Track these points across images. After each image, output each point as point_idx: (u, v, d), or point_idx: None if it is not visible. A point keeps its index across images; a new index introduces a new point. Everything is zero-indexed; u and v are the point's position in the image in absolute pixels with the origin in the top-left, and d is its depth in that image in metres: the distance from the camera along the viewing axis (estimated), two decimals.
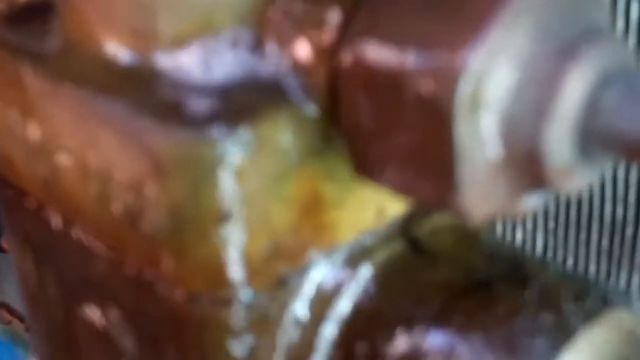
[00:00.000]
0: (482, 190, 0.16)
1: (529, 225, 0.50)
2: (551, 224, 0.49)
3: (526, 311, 0.19)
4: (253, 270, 0.20)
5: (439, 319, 0.20)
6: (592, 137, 0.15)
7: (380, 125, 0.17)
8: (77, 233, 0.23)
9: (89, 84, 0.19)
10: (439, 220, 0.23)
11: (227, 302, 0.20)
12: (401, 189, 0.17)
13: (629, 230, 0.47)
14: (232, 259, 0.19)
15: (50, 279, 0.25)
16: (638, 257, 0.46)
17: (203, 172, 0.18)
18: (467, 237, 0.23)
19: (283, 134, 0.18)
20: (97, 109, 0.19)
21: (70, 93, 0.19)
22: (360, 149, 0.18)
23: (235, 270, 0.20)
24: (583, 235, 0.48)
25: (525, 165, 0.16)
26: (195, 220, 0.19)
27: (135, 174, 0.19)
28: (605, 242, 0.47)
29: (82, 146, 0.20)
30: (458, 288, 0.21)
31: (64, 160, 0.21)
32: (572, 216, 0.48)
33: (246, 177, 0.18)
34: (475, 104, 0.15)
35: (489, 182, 0.16)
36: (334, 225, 0.21)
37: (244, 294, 0.20)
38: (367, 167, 0.18)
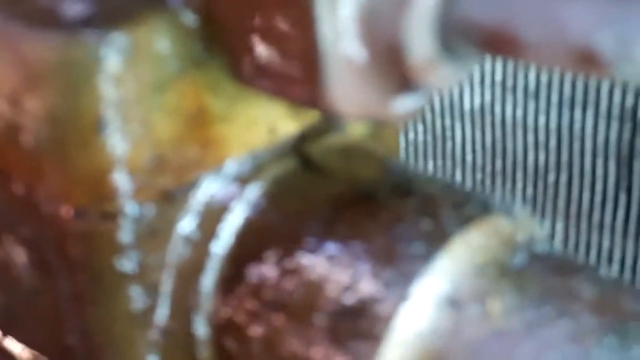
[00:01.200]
0: (348, 90, 0.17)
1: (458, 176, 0.50)
2: (478, 175, 0.50)
3: (406, 219, 0.20)
4: (138, 183, 0.20)
5: (325, 232, 0.20)
6: (451, 29, 0.15)
7: (248, 24, 0.17)
8: None
9: None
10: (332, 139, 0.23)
11: (113, 216, 0.20)
12: (274, 91, 0.18)
13: (551, 177, 0.48)
14: (115, 170, 0.19)
15: None
16: (560, 202, 0.47)
17: (79, 78, 0.18)
18: (360, 155, 0.23)
19: (160, 41, 0.18)
20: None
21: None
22: (234, 53, 0.18)
23: (120, 181, 0.20)
24: (509, 185, 0.49)
25: (389, 62, 0.16)
26: (75, 129, 0.19)
27: (12, 85, 0.19)
28: (529, 190, 0.48)
29: None
30: (345, 200, 0.21)
31: None
32: (497, 166, 0.49)
33: (124, 84, 0.18)
34: None
35: (354, 82, 0.17)
36: (221, 140, 0.21)
37: (130, 208, 0.20)
38: (242, 71, 0.18)
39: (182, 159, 0.21)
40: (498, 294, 0.18)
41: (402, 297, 0.18)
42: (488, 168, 0.50)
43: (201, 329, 0.22)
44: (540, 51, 0.15)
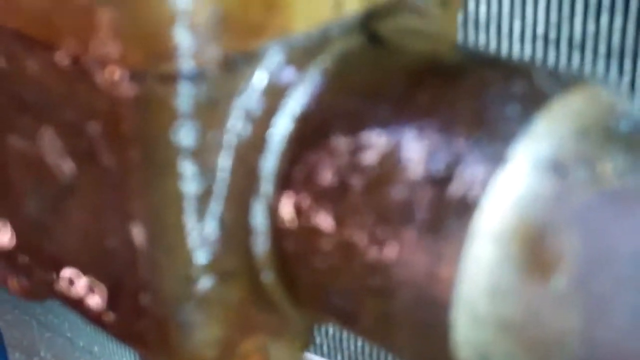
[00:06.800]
0: None
1: None
2: None
3: (496, 83, 0.18)
4: (199, 41, 0.18)
5: (402, 103, 0.19)
6: None
7: None
8: (5, 37, 0.21)
9: None
10: (403, 21, 0.21)
11: (171, 79, 0.18)
12: None
13: None
14: (176, 23, 0.18)
15: None
16: None
17: None
18: (430, 35, 0.21)
19: None
20: None
21: None
22: None
23: (180, 37, 0.18)
24: None
25: None
26: None
27: None
28: None
29: None
30: (422, 71, 0.19)
31: None
32: None
33: None
34: None
35: None
36: (287, 7, 0.19)
37: (190, 69, 0.18)
38: None
39: (246, 22, 0.19)
40: (608, 157, 0.16)
41: (497, 159, 0.16)
42: None
43: (259, 218, 0.20)
44: None
